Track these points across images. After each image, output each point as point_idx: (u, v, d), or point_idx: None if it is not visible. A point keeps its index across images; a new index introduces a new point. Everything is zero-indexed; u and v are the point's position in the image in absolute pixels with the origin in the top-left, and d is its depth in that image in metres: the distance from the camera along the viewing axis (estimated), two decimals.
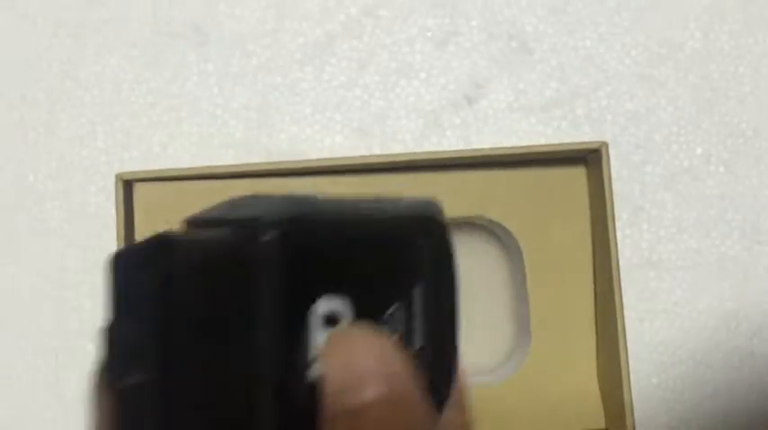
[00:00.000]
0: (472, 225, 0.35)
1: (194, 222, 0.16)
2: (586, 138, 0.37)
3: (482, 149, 0.33)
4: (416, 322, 0.16)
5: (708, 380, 0.36)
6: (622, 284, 0.36)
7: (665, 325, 0.36)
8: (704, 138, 0.37)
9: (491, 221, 0.34)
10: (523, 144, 0.37)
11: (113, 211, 0.33)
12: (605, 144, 0.32)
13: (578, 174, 0.34)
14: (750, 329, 0.37)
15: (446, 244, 0.17)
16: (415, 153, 0.34)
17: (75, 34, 0.38)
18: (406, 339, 0.16)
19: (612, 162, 0.37)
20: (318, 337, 0.15)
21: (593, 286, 0.34)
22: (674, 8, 0.38)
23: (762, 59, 0.38)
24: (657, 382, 0.36)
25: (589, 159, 0.33)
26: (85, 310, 0.36)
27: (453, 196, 0.34)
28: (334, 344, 0.15)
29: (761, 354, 0.37)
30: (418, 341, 0.16)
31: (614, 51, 0.38)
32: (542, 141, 0.37)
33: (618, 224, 0.37)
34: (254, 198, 0.16)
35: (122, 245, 0.33)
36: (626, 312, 0.35)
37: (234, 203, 0.16)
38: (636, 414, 0.32)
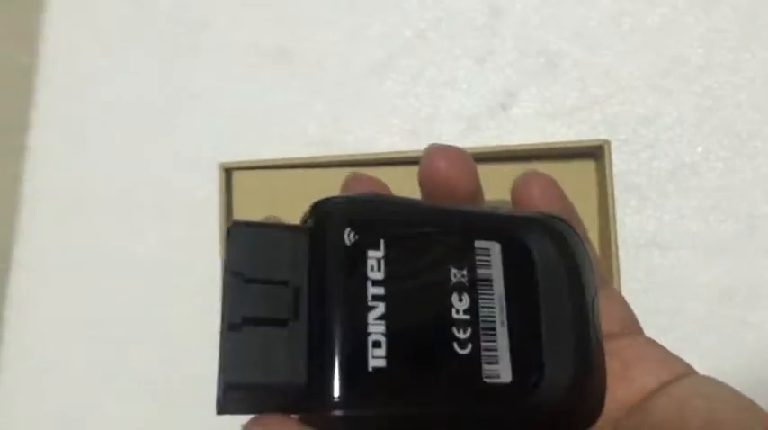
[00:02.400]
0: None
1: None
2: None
3: (509, 146, 0.41)
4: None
5: (703, 344, 0.43)
6: (631, 262, 0.43)
7: (667, 295, 0.43)
8: (704, 138, 0.44)
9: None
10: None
11: (217, 195, 0.43)
12: (608, 142, 0.39)
13: (588, 167, 0.41)
14: (741, 302, 0.43)
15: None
16: None
17: (189, 56, 0.48)
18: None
19: (623, 158, 0.44)
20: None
21: (598, 260, 0.41)
22: (680, 29, 0.45)
23: (757, 72, 0.44)
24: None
25: (597, 154, 0.41)
26: (193, 274, 0.46)
27: (485, 183, 0.42)
28: None
29: (750, 324, 0.43)
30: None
31: (627, 66, 0.45)
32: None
33: (627, 210, 0.44)
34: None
35: (224, 220, 0.42)
36: (632, 285, 0.43)
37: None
38: None
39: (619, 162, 0.43)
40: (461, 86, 0.46)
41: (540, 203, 0.21)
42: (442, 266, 0.18)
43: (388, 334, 0.17)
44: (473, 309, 0.17)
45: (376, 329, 0.17)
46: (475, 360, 0.17)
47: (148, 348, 0.46)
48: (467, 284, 0.18)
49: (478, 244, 0.18)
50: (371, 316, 0.17)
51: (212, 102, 0.47)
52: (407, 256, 0.18)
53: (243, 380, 0.17)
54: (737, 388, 0.44)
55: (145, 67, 0.48)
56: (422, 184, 0.21)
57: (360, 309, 0.17)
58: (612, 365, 0.19)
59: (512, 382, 0.17)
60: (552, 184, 0.22)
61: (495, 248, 0.18)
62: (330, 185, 0.43)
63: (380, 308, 0.17)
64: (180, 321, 0.46)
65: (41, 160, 0.48)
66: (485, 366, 0.17)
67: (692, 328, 0.43)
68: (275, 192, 0.42)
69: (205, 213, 0.45)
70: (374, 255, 0.17)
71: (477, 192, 0.21)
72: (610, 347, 0.20)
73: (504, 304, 0.18)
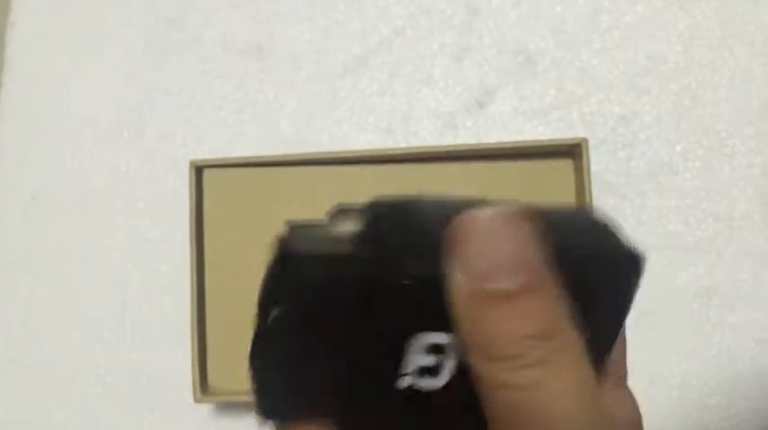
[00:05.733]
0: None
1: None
2: None
3: (485, 144, 0.40)
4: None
5: (682, 344, 0.42)
6: None
7: (646, 296, 0.42)
8: (683, 137, 0.44)
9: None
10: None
11: (187, 193, 0.42)
12: (585, 140, 0.39)
13: (566, 166, 0.41)
14: (720, 303, 0.42)
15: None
16: (431, 146, 0.42)
17: (161, 52, 0.47)
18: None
19: (601, 157, 0.44)
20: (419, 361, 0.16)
21: None
22: (658, 26, 0.45)
23: (735, 70, 0.44)
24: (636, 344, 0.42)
25: (574, 153, 0.40)
26: (163, 274, 0.45)
27: (462, 182, 0.41)
28: (470, 226, 0.14)
29: (729, 324, 0.42)
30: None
31: (605, 64, 0.45)
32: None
33: (604, 210, 0.43)
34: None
35: (194, 219, 0.41)
36: None
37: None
38: None
39: (597, 161, 0.43)
40: (438, 84, 0.45)
41: None
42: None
43: None
44: None
45: None
46: None
47: (115, 348, 0.44)
48: None
49: None
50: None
51: (184, 98, 0.46)
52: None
53: None
54: (716, 388, 0.43)
55: (115, 64, 0.47)
56: None
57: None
58: None
59: None
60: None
61: None
62: (303, 184, 0.42)
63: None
64: (147, 321, 0.44)
65: (8, 158, 0.47)
66: None
67: (671, 329, 0.42)
68: (247, 191, 0.41)
69: (175, 212, 0.44)
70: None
71: None
72: None
73: None
